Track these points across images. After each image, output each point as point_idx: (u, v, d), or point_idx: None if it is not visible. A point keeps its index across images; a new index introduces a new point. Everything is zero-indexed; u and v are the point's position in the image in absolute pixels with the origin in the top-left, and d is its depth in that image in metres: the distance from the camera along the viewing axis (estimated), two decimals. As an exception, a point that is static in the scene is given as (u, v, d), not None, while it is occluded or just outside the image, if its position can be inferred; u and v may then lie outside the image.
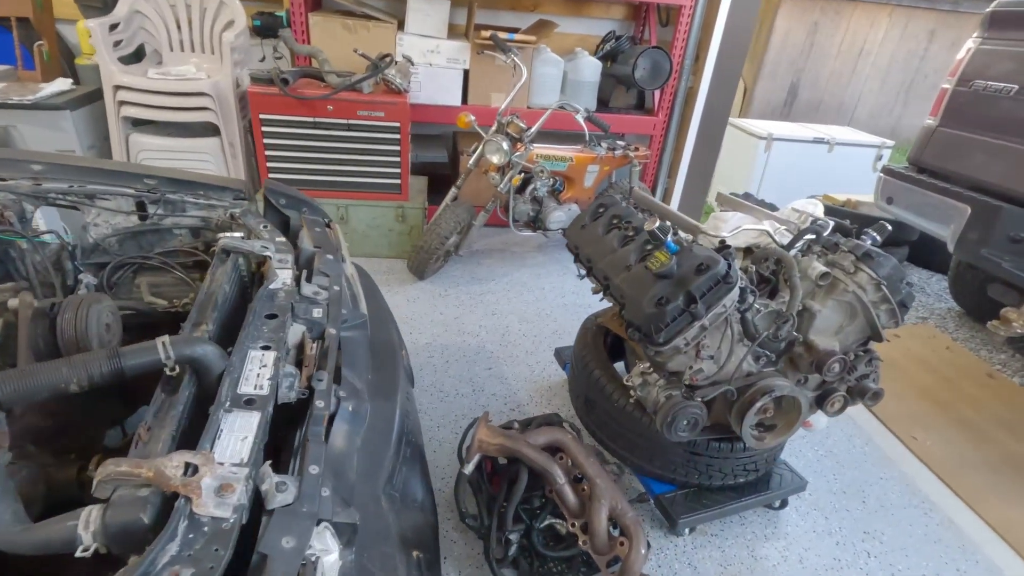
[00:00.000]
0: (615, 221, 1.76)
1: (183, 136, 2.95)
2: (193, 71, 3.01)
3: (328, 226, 1.78)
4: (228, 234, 1.41)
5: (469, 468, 1.65)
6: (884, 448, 2.29)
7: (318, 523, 0.85)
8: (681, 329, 1.37)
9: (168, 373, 0.94)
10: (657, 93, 3.72)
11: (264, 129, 2.87)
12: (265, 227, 1.57)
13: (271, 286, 1.29)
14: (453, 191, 3.03)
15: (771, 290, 1.62)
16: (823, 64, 7.93)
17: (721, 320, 1.42)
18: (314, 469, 0.92)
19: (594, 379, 1.85)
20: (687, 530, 1.78)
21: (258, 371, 1.01)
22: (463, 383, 2.36)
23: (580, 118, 2.82)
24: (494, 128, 2.82)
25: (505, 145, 2.73)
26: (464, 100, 3.45)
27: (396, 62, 3.01)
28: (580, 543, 1.55)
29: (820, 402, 1.64)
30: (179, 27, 3.07)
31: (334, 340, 1.23)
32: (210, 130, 2.95)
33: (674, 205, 4.19)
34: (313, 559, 0.77)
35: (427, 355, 2.52)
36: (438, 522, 1.42)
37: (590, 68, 3.52)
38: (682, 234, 1.67)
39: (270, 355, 1.06)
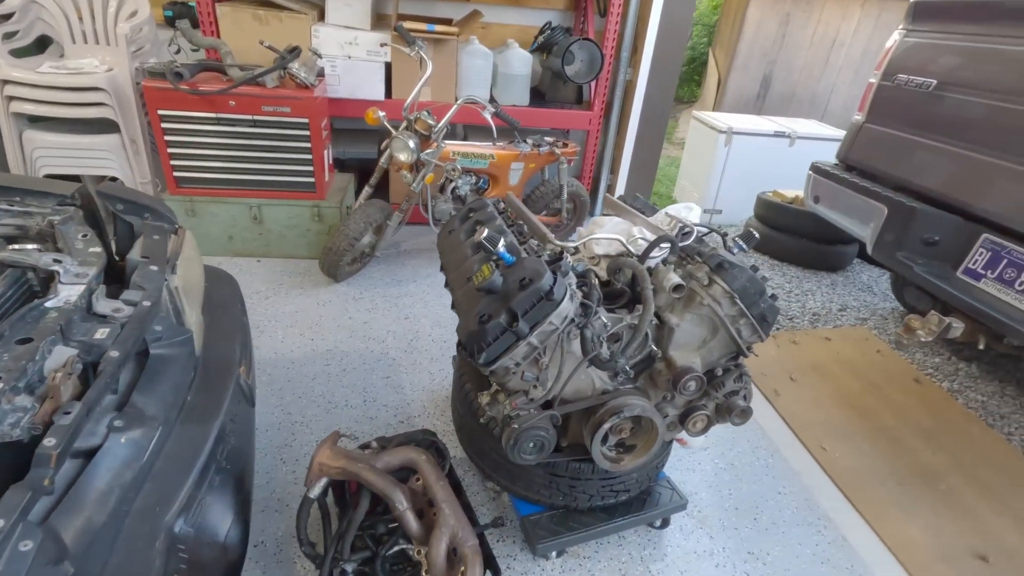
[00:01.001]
0: (476, 228, 1.65)
1: (83, 133, 2.83)
2: (96, 64, 2.88)
3: (176, 232, 1.68)
4: (15, 246, 1.30)
5: (315, 491, 1.55)
6: (790, 460, 2.20)
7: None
8: (506, 349, 1.27)
9: None
10: (593, 86, 3.60)
11: (164, 126, 2.74)
12: (85, 236, 1.46)
13: (46, 304, 1.18)
14: (367, 190, 2.91)
15: (629, 302, 1.52)
16: (796, 55, 7.80)
17: (555, 338, 1.31)
18: (-4, 522, 0.82)
19: (464, 393, 1.75)
20: (554, 553, 1.68)
21: (-38, 408, 0.91)
22: (355, 393, 2.26)
23: (487, 114, 2.70)
24: (403, 125, 2.70)
25: (411, 143, 2.61)
26: (388, 94, 3.33)
27: (310, 54, 2.88)
28: (424, 572, 1.46)
29: (684, 420, 1.54)
30: (80, 17, 2.93)
31: (113, 364, 1.12)
32: (111, 127, 2.83)
33: (618, 202, 4.08)
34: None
35: (324, 363, 2.41)
36: (243, 557, 1.33)
37: (520, 61, 3.39)
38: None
39: (-8, 388, 0.95)
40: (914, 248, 2.24)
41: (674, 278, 1.42)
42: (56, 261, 1.30)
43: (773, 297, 1.46)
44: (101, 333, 1.18)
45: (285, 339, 2.54)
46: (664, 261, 1.52)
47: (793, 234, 3.98)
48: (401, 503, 1.49)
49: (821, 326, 3.25)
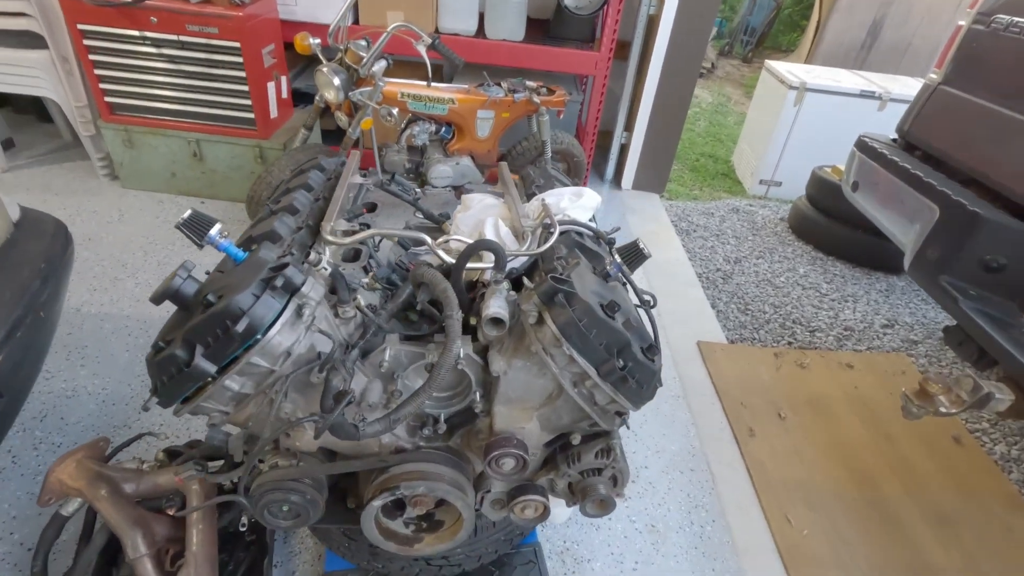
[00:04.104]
0: (279, 199, 1.23)
1: (9, 47, 2.59)
2: (35, -31, 2.60)
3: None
4: None
5: (70, 508, 1.28)
6: (736, 531, 1.69)
7: None
8: (197, 391, 0.87)
9: None
10: (602, 20, 2.93)
11: (87, 43, 2.46)
12: None
13: None
14: (303, 132, 2.51)
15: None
16: (918, -4, 6.38)
17: (280, 381, 0.89)
18: None
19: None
20: (358, 624, 1.33)
21: None
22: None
23: (421, 47, 2.17)
24: (337, 57, 2.25)
25: (337, 80, 2.16)
26: (356, 19, 2.85)
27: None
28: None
29: (511, 500, 1.09)
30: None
31: None
32: (40, 41, 2.57)
33: (631, 166, 3.45)
34: None
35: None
36: None
37: (513, -17, 2.78)
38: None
39: None
40: (967, 273, 1.56)
41: (494, 307, 0.94)
42: None
43: (650, 350, 0.95)
44: None
45: (186, 296, 2.27)
46: (501, 276, 1.03)
47: (847, 223, 3.20)
48: (139, 548, 1.17)
49: (851, 346, 2.58)
